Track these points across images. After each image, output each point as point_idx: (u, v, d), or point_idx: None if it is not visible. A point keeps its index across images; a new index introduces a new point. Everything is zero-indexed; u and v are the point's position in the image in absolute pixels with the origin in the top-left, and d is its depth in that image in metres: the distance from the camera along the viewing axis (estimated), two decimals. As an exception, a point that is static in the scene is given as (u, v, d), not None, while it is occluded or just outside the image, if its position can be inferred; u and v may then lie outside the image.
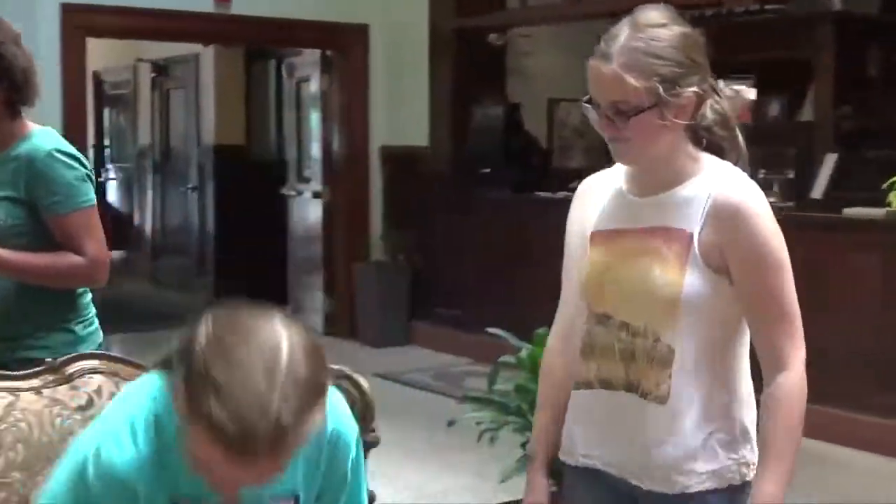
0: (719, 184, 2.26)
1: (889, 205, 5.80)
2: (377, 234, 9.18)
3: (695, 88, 2.23)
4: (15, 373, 2.62)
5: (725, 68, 2.52)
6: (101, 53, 11.12)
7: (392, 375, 7.51)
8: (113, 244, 12.97)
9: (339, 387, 2.81)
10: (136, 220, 13.64)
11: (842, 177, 6.69)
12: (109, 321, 9.13)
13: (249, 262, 10.99)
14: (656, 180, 2.31)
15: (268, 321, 1.76)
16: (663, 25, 2.22)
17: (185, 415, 1.73)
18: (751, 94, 7.09)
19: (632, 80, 2.18)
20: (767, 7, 7.34)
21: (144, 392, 1.97)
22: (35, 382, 2.64)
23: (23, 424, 2.53)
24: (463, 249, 8.69)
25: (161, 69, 12.77)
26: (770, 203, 2.27)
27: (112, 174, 14.35)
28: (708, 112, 2.32)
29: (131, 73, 13.43)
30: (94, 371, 2.71)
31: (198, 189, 12.04)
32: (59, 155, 3.11)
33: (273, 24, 8.82)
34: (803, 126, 7.35)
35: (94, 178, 3.24)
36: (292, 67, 10.35)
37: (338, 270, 9.40)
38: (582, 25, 8.47)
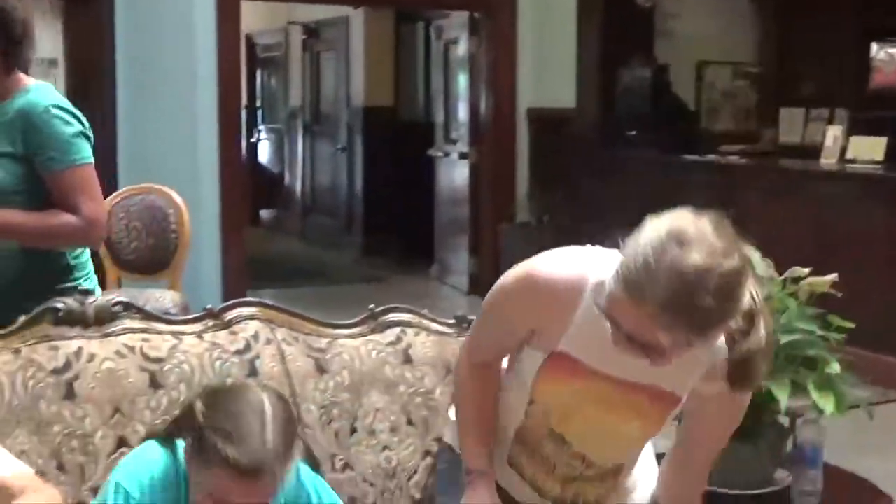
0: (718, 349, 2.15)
1: None
2: (523, 195, 9.21)
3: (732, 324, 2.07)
4: (179, 317, 2.77)
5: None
6: (253, 16, 11.35)
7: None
8: (264, 203, 13.24)
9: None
10: (287, 179, 13.93)
11: None
12: (261, 277, 9.40)
13: (396, 221, 11.16)
14: None
15: (247, 386, 2.32)
16: (709, 272, 1.98)
17: (200, 464, 2.16)
18: None
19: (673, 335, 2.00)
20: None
21: (150, 454, 2.28)
22: (196, 327, 2.79)
23: (185, 366, 2.67)
24: (609, 211, 8.68)
25: (312, 32, 12.99)
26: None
27: (263, 135, 14.67)
28: None
29: (283, 35, 13.69)
30: (251, 318, 2.85)
31: (347, 149, 12.23)
32: (55, 110, 3.01)
33: (422, -13, 8.91)
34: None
35: (91, 136, 3.15)
36: (440, 30, 10.43)
37: (483, 231, 9.48)
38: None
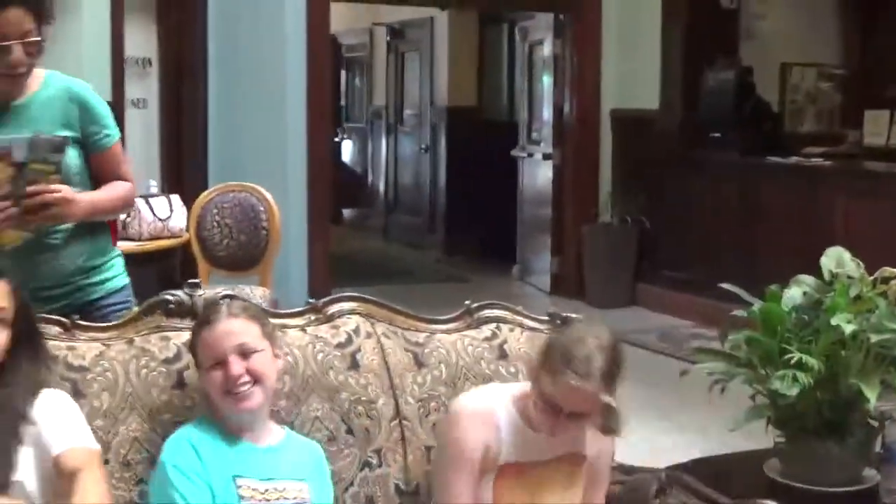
0: None
1: None
2: (606, 196, 9.25)
3: None
4: (283, 311, 2.87)
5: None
6: (338, 17, 11.50)
7: (617, 335, 7.61)
8: (346, 202, 13.35)
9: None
10: (370, 179, 14.09)
11: None
12: (344, 275, 9.52)
13: (479, 221, 11.25)
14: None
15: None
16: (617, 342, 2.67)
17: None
18: None
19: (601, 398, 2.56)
20: None
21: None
22: (300, 321, 2.91)
23: (289, 358, 2.77)
24: (691, 213, 8.71)
25: (397, 32, 13.12)
26: None
27: (347, 134, 14.84)
28: None
29: (367, 36, 13.84)
30: (352, 312, 2.95)
31: (430, 149, 12.35)
32: (92, 90, 3.20)
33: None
34: None
35: None
36: (525, 31, 10.50)
37: (566, 231, 9.54)
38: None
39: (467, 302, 3.07)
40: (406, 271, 11.04)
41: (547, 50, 9.84)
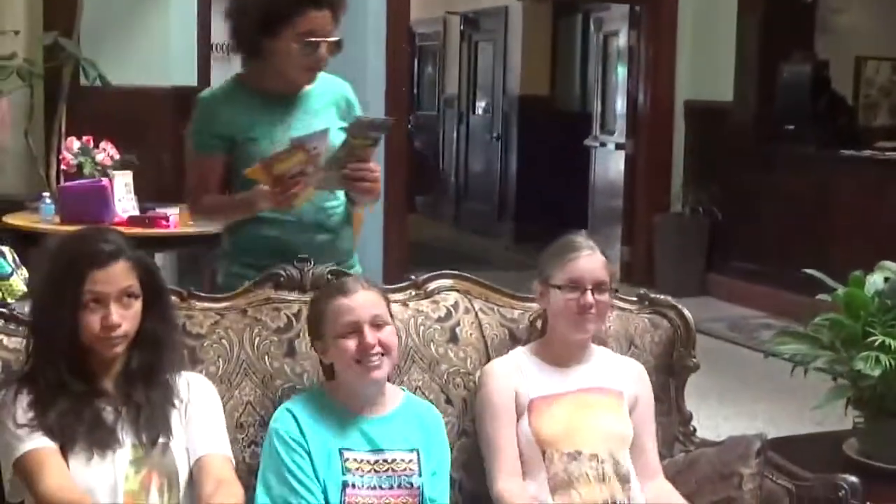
0: (614, 356, 3.00)
1: None
2: (678, 187, 9.32)
3: None
4: (386, 286, 3.02)
5: None
6: (413, 6, 11.65)
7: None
8: (418, 189, 13.39)
9: (664, 315, 3.14)
10: (441, 166, 14.22)
11: None
12: (415, 261, 9.64)
13: (549, 210, 11.35)
14: (577, 354, 2.92)
15: None
16: None
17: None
18: None
19: (608, 267, 2.89)
20: None
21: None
22: (401, 296, 3.06)
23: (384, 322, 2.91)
24: (764, 205, 8.76)
25: (470, 21, 13.25)
26: None
27: (419, 121, 15.00)
28: None
29: (441, 25, 13.98)
30: (450, 289, 3.10)
31: (501, 138, 12.46)
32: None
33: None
34: None
35: None
36: (600, 21, 10.59)
37: (637, 221, 9.63)
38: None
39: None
40: (477, 258, 11.16)
41: (622, 40, 9.93)
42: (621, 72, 9.96)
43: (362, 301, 2.69)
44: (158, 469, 2.47)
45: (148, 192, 6.28)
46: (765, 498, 2.78)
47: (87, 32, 6.74)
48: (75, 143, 6.15)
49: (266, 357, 2.84)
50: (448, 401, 2.94)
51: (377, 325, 2.68)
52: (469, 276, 3.15)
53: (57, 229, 5.63)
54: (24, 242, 5.68)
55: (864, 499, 2.72)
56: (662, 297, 3.26)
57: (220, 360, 2.80)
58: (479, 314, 3.06)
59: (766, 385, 6.49)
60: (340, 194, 3.30)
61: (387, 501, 2.64)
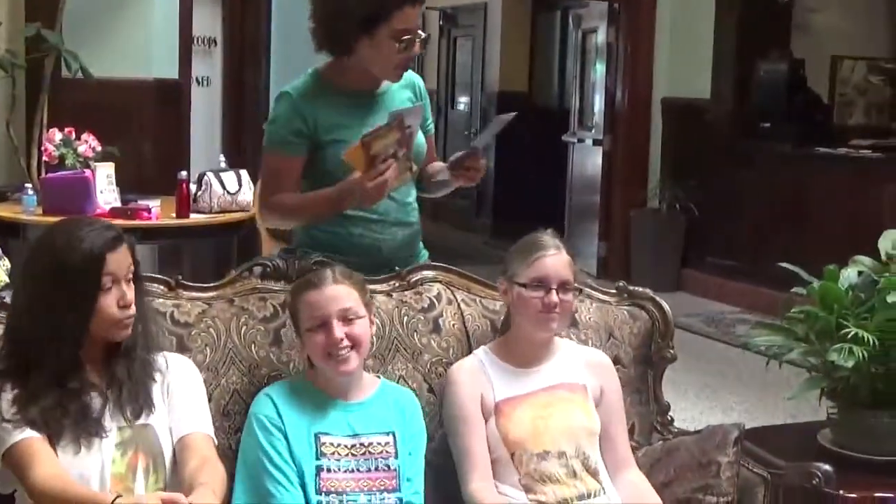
0: (578, 348, 3.04)
1: None
2: (655, 183, 9.39)
3: None
4: (370, 277, 3.06)
5: None
6: (393, 1, 11.70)
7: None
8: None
9: (643, 307, 3.20)
10: (419, 161, 14.24)
11: None
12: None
13: (527, 205, 11.38)
14: (540, 351, 2.95)
15: None
16: None
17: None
18: None
19: (573, 266, 2.94)
20: None
21: None
22: (385, 286, 3.10)
23: (377, 320, 2.97)
24: (740, 202, 8.84)
25: (449, 17, 13.28)
26: None
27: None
28: None
29: (420, 21, 13.98)
30: (433, 280, 3.15)
31: (480, 133, 12.49)
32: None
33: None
34: None
35: None
36: (579, 18, 10.65)
37: (614, 217, 9.69)
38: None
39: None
40: (455, 252, 11.16)
41: (601, 37, 9.99)
42: (599, 68, 10.03)
43: (330, 295, 2.72)
44: (144, 450, 2.51)
45: (129, 184, 6.31)
46: (741, 485, 2.84)
47: (69, 24, 6.76)
48: (57, 135, 6.17)
49: (252, 346, 2.88)
50: (430, 390, 2.99)
51: (347, 318, 2.70)
52: (451, 267, 3.20)
53: (39, 220, 5.66)
54: (6, 233, 5.72)
55: (837, 487, 2.79)
56: (641, 289, 3.32)
57: (208, 348, 2.84)
58: (462, 305, 3.11)
59: (742, 379, 6.59)
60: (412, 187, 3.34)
61: (365, 484, 2.68)
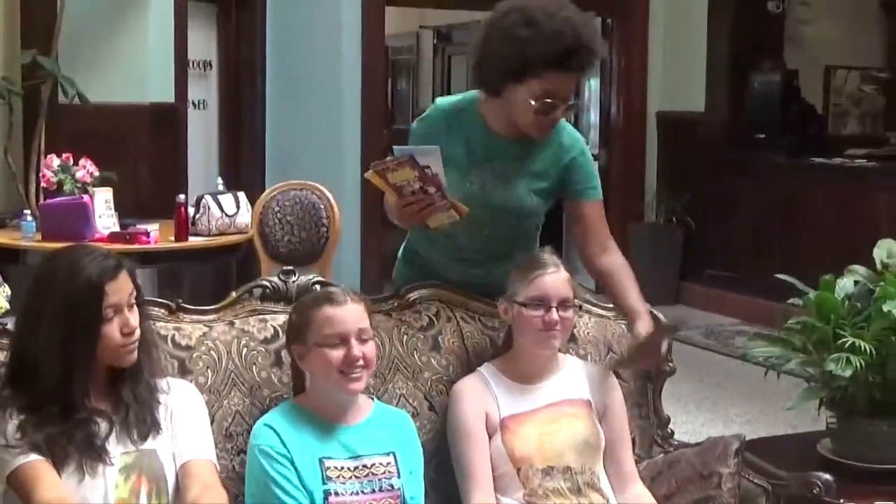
0: (581, 364, 3.07)
1: None
2: (651, 196, 9.42)
3: None
4: (370, 297, 3.08)
5: None
6: (386, 20, 11.73)
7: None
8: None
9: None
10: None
11: None
12: (391, 273, 9.59)
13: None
14: (544, 368, 2.98)
15: None
16: None
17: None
18: None
19: (572, 283, 2.98)
20: None
21: None
22: (384, 306, 3.12)
23: (377, 339, 2.98)
24: (736, 213, 8.86)
25: (443, 36, 13.32)
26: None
27: (394, 136, 15.04)
28: None
29: (414, 39, 14.04)
30: (431, 298, 3.17)
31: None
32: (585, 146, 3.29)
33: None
34: None
35: None
36: (572, 34, 10.67)
37: (612, 230, 9.63)
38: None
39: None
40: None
41: (594, 53, 10.00)
42: (593, 83, 10.05)
43: (351, 312, 2.73)
44: (147, 475, 2.53)
45: (128, 208, 6.33)
46: (742, 497, 2.86)
47: (65, 50, 6.79)
48: (55, 161, 6.19)
49: (254, 367, 2.90)
50: (431, 407, 3.01)
51: (362, 338, 2.73)
52: (449, 285, 3.21)
53: (38, 246, 5.68)
54: (6, 259, 5.74)
55: (837, 496, 2.81)
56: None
57: (209, 370, 2.86)
58: (461, 322, 3.13)
59: (742, 390, 6.59)
60: None
61: None
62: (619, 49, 9.59)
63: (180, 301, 2.98)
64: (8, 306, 4.49)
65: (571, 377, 3.01)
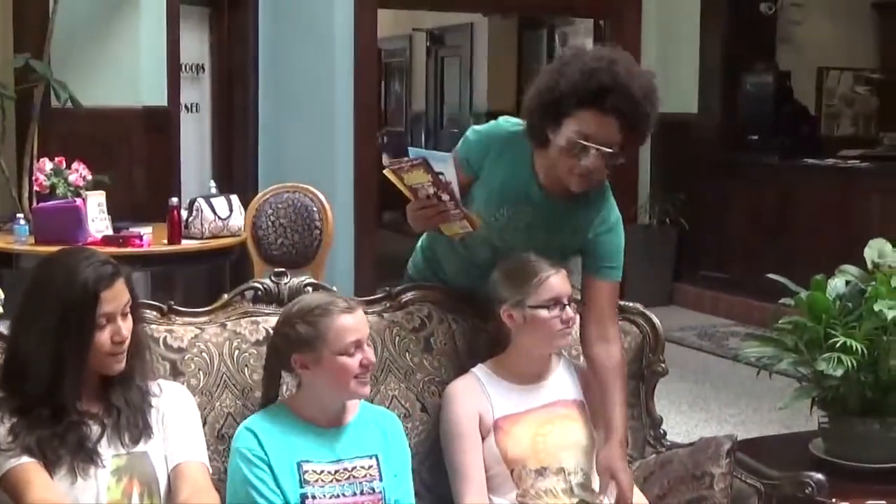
0: (575, 365, 3.08)
1: None
2: (645, 198, 9.42)
3: None
4: (361, 298, 3.09)
5: None
6: (378, 22, 11.74)
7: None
8: (385, 204, 13.36)
9: (633, 322, 3.22)
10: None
11: None
12: (385, 274, 9.66)
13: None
14: (539, 369, 3.00)
15: None
16: None
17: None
18: None
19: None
20: None
21: None
22: (377, 307, 3.13)
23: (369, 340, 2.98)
24: (729, 214, 8.88)
25: (436, 38, 13.34)
26: None
27: (385, 139, 15.05)
28: None
29: (407, 42, 14.06)
30: (423, 300, 3.17)
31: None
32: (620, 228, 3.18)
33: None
34: None
35: None
36: (565, 36, 10.71)
37: (605, 231, 9.69)
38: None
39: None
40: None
41: (587, 55, 10.02)
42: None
43: (361, 319, 2.75)
44: (139, 477, 2.53)
45: (121, 212, 6.32)
46: (735, 497, 2.85)
47: (57, 54, 6.79)
48: (48, 164, 6.19)
49: (245, 369, 2.89)
50: (423, 409, 3.02)
51: (368, 343, 2.75)
52: (441, 287, 3.21)
53: (31, 250, 5.67)
54: (-2, 263, 5.73)
55: (829, 495, 2.81)
56: (631, 304, 3.34)
57: (201, 372, 2.86)
58: (452, 324, 3.13)
59: (735, 391, 6.60)
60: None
61: None
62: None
63: (172, 303, 2.98)
64: (1, 310, 4.48)
65: (565, 378, 3.02)
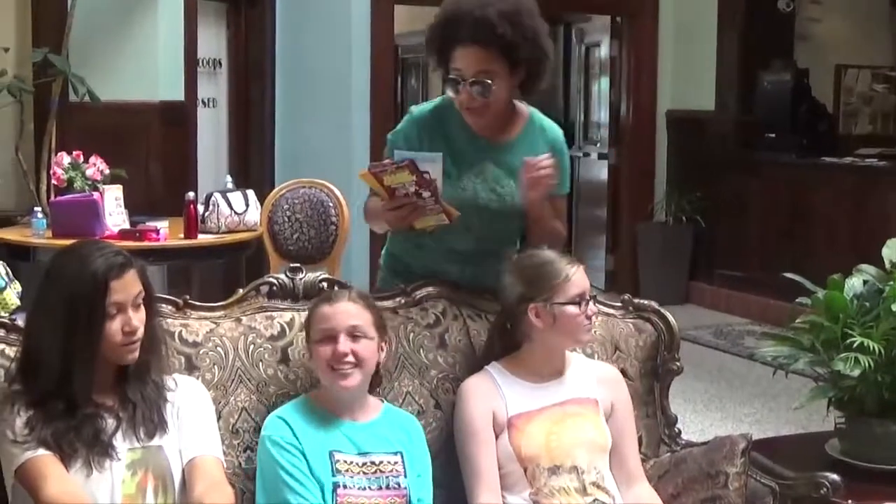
0: (589, 362, 3.05)
1: None
2: (661, 195, 9.41)
3: None
4: (376, 294, 3.09)
5: None
6: (395, 19, 11.73)
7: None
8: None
9: (648, 320, 3.21)
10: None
11: None
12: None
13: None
14: (555, 367, 2.98)
15: None
16: None
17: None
18: None
19: None
20: None
21: None
22: (391, 303, 3.12)
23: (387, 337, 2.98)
24: (746, 213, 8.85)
25: (453, 34, 13.30)
26: None
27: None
28: None
29: (423, 38, 14.02)
30: (438, 296, 3.17)
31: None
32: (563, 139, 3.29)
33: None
34: None
35: None
36: (582, 33, 10.67)
37: (621, 230, 9.71)
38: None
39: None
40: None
41: (604, 51, 10.02)
42: (604, 82, 10.05)
43: (342, 310, 2.77)
44: (154, 471, 2.54)
45: (137, 206, 6.34)
46: (749, 496, 2.84)
47: (75, 49, 6.80)
48: (65, 158, 6.20)
49: (260, 364, 2.90)
50: (437, 405, 3.02)
51: (355, 336, 2.75)
52: (455, 283, 3.20)
53: (49, 244, 5.68)
54: (17, 257, 5.74)
55: (845, 496, 2.80)
56: (646, 302, 3.33)
57: (216, 367, 2.86)
58: (468, 320, 3.13)
59: (751, 390, 6.59)
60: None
61: (376, 502, 2.71)
62: (629, 48, 9.59)
63: (187, 297, 2.99)
64: (19, 302, 4.50)
65: (580, 376, 3.01)
